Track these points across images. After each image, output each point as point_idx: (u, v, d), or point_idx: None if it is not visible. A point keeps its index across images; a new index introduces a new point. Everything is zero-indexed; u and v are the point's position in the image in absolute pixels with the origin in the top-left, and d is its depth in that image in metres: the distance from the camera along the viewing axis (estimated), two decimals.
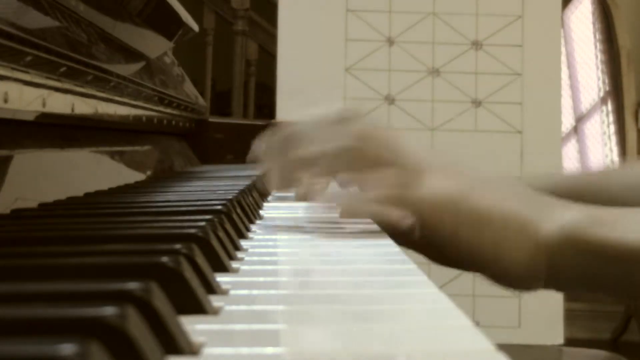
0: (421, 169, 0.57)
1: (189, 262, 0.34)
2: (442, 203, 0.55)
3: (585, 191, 0.69)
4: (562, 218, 0.55)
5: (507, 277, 0.56)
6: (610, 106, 2.91)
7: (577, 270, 0.55)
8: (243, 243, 0.51)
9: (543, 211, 0.55)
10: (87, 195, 0.68)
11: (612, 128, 2.90)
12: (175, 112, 1.16)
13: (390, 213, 0.56)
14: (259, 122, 1.45)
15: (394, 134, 0.62)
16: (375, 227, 0.59)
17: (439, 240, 0.56)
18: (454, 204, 0.55)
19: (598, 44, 2.93)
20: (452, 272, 1.66)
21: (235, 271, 0.42)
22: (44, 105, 0.62)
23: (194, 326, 0.29)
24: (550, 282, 0.56)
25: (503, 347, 0.27)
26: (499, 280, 0.58)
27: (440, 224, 0.56)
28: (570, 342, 1.70)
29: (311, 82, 1.70)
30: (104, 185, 0.74)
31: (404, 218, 0.56)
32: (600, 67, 2.94)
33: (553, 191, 0.62)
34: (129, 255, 0.36)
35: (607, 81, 2.92)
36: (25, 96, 0.58)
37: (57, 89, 0.65)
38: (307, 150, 0.61)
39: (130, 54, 0.99)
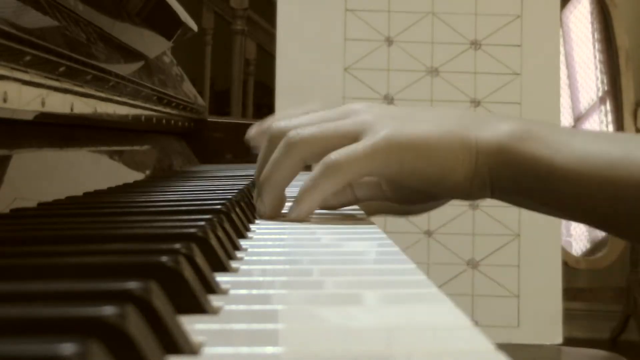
0: (355, 129, 0.60)
1: (189, 262, 0.34)
2: (383, 147, 0.58)
3: None
4: (498, 129, 0.58)
5: (456, 192, 0.61)
6: (609, 106, 2.91)
7: (513, 182, 0.59)
8: (242, 243, 0.51)
9: (480, 125, 0.59)
10: (86, 194, 0.68)
11: (611, 128, 2.90)
12: (174, 111, 1.16)
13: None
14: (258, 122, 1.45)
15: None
16: (376, 228, 0.59)
17: (392, 182, 0.62)
18: (392, 144, 0.59)
19: (597, 44, 2.93)
20: (452, 272, 1.66)
21: (235, 271, 0.42)
22: (43, 104, 0.62)
23: (193, 326, 0.29)
24: (495, 192, 0.61)
25: (502, 347, 0.27)
26: (451, 196, 0.63)
27: (387, 167, 0.59)
28: (569, 341, 1.70)
29: (310, 81, 1.70)
30: (104, 185, 0.74)
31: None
32: (598, 66, 2.94)
33: None
34: (129, 255, 0.36)
35: (605, 81, 2.92)
36: (24, 96, 0.58)
37: (56, 89, 0.65)
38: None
39: (129, 54, 0.99)
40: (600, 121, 2.93)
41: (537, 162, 0.57)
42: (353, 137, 0.60)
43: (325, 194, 0.61)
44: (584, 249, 2.83)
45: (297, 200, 0.61)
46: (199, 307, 0.32)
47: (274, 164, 0.62)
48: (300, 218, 0.62)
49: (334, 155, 0.59)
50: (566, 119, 2.88)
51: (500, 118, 0.61)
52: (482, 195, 0.62)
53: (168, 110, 1.12)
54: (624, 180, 0.55)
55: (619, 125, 2.85)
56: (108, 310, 0.23)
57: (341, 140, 0.60)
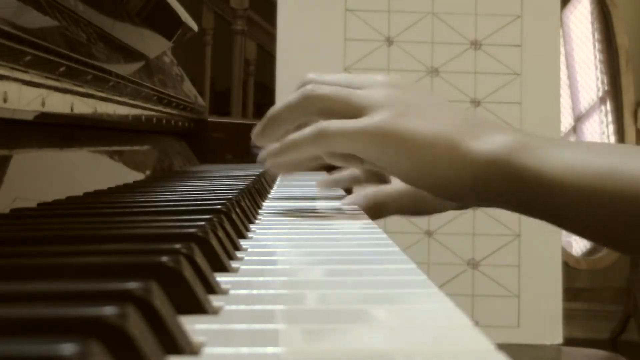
0: (362, 103, 0.62)
1: (189, 262, 0.34)
2: (371, 133, 0.60)
3: None
4: (492, 140, 0.58)
5: (443, 193, 0.61)
6: (609, 106, 2.91)
7: (502, 192, 0.58)
8: (243, 243, 0.51)
9: (474, 132, 0.59)
10: (86, 194, 0.68)
11: (611, 128, 2.90)
12: (174, 111, 1.16)
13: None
14: (258, 122, 1.45)
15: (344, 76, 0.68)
16: (375, 227, 0.59)
17: (386, 168, 0.63)
18: (379, 133, 0.60)
19: (597, 44, 2.93)
20: (452, 272, 1.66)
21: (235, 271, 0.42)
22: (43, 104, 0.62)
23: (194, 326, 0.29)
24: (482, 200, 0.61)
25: (502, 347, 0.27)
26: (439, 196, 0.62)
27: (367, 153, 0.61)
28: (569, 341, 1.70)
29: None
30: (104, 185, 0.74)
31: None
32: (599, 66, 2.94)
33: None
34: (129, 255, 0.36)
35: (606, 81, 2.92)
36: (24, 96, 0.58)
37: (56, 89, 0.65)
38: (273, 111, 0.68)
39: (130, 54, 0.99)
40: (600, 121, 2.93)
41: (525, 174, 0.56)
42: (357, 110, 0.62)
43: (305, 156, 0.65)
44: (584, 249, 2.84)
45: (278, 152, 0.65)
46: (199, 307, 0.32)
47: (284, 102, 0.66)
48: (273, 169, 0.67)
49: (326, 124, 0.62)
50: (566, 119, 2.88)
51: (500, 129, 0.59)
52: (469, 202, 0.62)
53: (168, 110, 1.12)
54: (612, 192, 0.54)
55: (619, 125, 2.85)
56: (108, 310, 0.23)
57: (346, 108, 0.62)
